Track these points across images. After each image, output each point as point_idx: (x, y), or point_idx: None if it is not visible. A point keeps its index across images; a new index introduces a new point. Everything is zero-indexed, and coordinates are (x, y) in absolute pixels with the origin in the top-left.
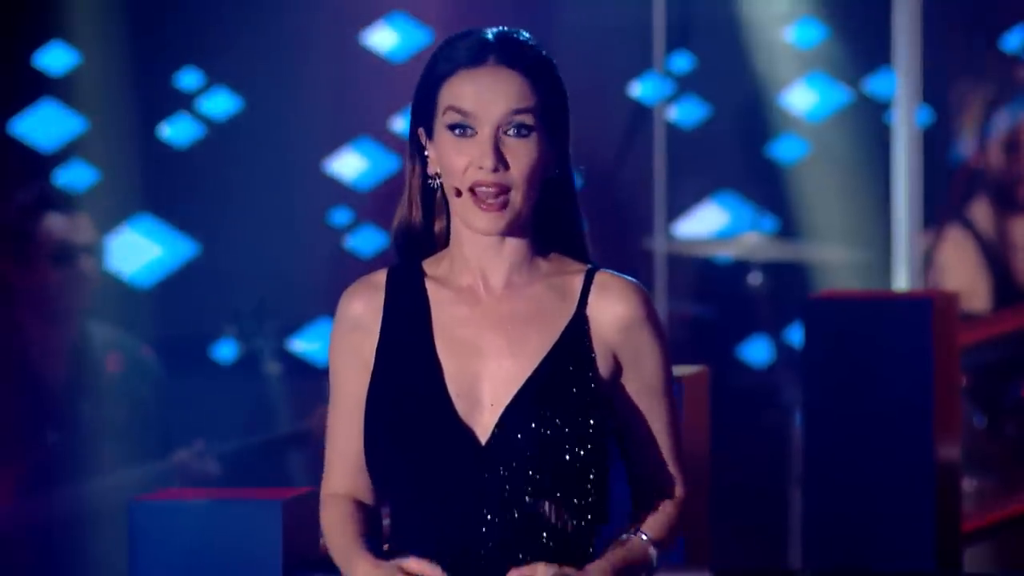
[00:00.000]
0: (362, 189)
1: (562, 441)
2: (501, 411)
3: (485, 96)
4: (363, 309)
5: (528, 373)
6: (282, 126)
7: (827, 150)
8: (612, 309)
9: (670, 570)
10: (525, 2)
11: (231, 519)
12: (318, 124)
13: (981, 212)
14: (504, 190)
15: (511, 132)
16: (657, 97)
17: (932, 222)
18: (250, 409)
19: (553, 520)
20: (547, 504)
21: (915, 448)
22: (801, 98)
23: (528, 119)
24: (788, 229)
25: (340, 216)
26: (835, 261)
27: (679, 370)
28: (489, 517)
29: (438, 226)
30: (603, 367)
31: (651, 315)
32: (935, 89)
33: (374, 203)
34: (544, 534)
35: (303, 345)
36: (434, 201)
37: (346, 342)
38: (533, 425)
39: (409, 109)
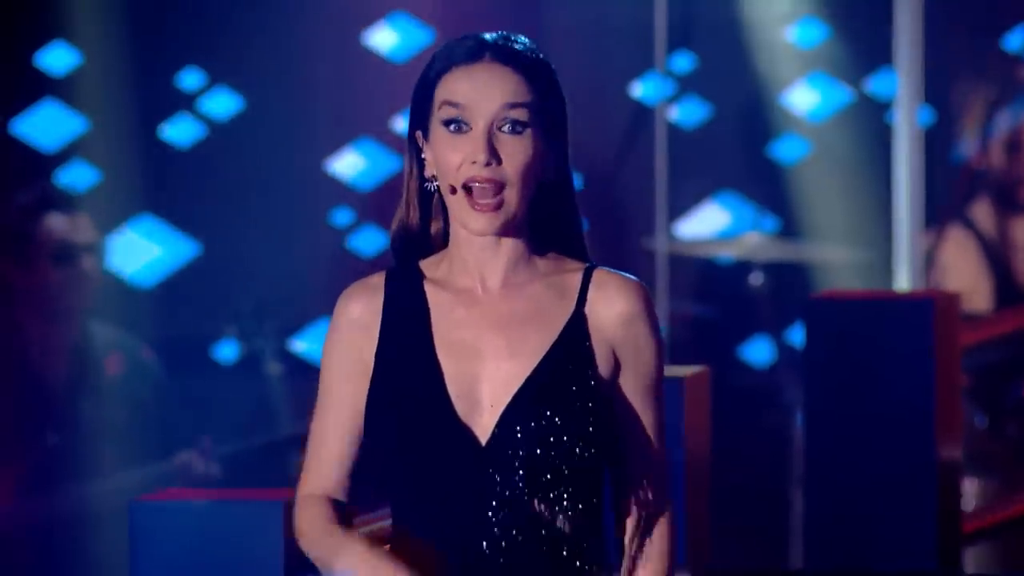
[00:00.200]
0: (363, 189)
1: (562, 441)
2: (500, 412)
3: (479, 91)
4: (362, 311)
5: (527, 373)
6: (283, 126)
7: (828, 150)
8: (612, 306)
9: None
10: (526, 2)
11: (232, 520)
12: (319, 124)
13: (983, 212)
14: (498, 187)
15: (505, 128)
16: (658, 97)
17: (933, 222)
18: (251, 409)
19: (554, 520)
20: (547, 504)
21: (916, 448)
22: (802, 98)
23: (522, 115)
24: (789, 229)
25: (341, 216)
26: (836, 261)
27: (680, 370)
28: (490, 517)
29: (435, 228)
30: (602, 365)
31: (650, 312)
32: (936, 89)
33: (375, 203)
34: (544, 534)
35: (304, 345)
36: (432, 204)
37: (344, 343)
38: (533, 425)
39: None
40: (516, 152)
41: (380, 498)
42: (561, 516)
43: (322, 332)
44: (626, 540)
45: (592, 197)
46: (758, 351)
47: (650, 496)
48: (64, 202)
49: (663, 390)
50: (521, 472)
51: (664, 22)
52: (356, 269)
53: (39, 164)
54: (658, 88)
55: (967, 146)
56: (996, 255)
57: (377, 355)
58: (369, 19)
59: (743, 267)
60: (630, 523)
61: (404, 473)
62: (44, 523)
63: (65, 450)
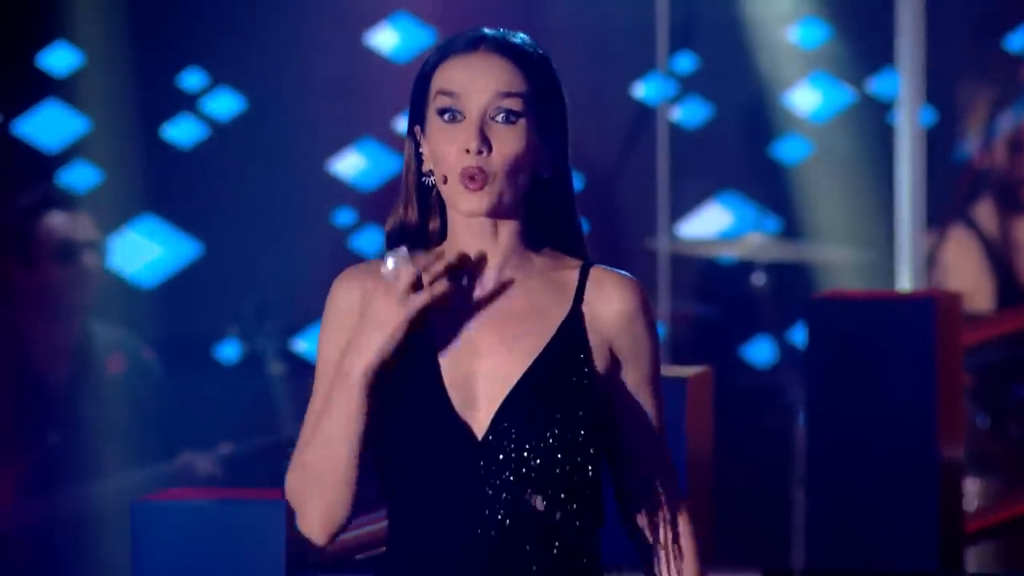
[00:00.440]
0: (365, 189)
1: (558, 437)
2: (496, 408)
3: (473, 79)
4: (360, 294)
5: (523, 370)
6: (285, 126)
7: (830, 150)
8: (610, 304)
9: None
10: (528, 2)
11: (234, 520)
12: (321, 124)
13: (985, 212)
14: (489, 176)
15: (499, 118)
16: (660, 97)
17: (935, 222)
18: (253, 410)
19: (550, 516)
20: (543, 499)
21: (918, 448)
22: (805, 98)
23: (516, 105)
24: (791, 229)
25: (343, 216)
26: (838, 261)
27: (683, 370)
28: (487, 513)
29: (432, 225)
30: (599, 362)
31: (648, 309)
32: (938, 89)
33: (377, 203)
34: (540, 529)
35: (306, 345)
36: (429, 199)
37: (343, 325)
38: (528, 421)
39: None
40: (508, 141)
41: (376, 495)
42: (558, 512)
43: None
44: (655, 540)
45: (594, 198)
46: (760, 351)
47: (666, 493)
48: (67, 202)
49: (661, 385)
50: (516, 468)
51: (666, 22)
52: None
53: (41, 164)
54: (660, 88)
55: (969, 146)
56: (998, 255)
57: None
58: (371, 19)
59: (745, 267)
60: (648, 521)
61: (400, 466)
62: (45, 523)
63: (66, 450)
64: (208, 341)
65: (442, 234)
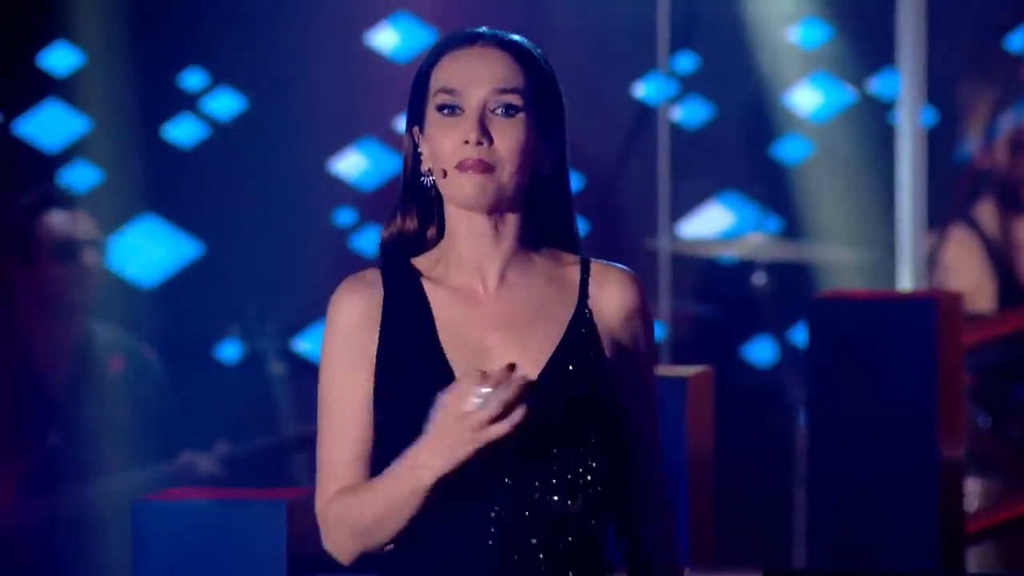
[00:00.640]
0: (365, 189)
1: (574, 435)
2: None
3: (472, 74)
4: (365, 306)
5: (537, 371)
6: (286, 126)
7: (831, 150)
8: (613, 300)
9: None
10: (528, 2)
11: (235, 519)
12: (322, 124)
13: (986, 212)
14: (489, 167)
15: (498, 111)
16: (661, 97)
17: (936, 222)
18: (254, 410)
19: (565, 511)
20: (561, 498)
21: (919, 448)
22: (805, 98)
23: (515, 99)
24: (792, 229)
25: (344, 216)
26: (839, 261)
27: (683, 370)
28: (499, 511)
29: (430, 232)
30: (609, 357)
31: (646, 302)
32: (939, 89)
33: (377, 203)
34: (554, 526)
35: (307, 345)
36: (428, 200)
37: (350, 341)
38: (545, 421)
39: None
40: (508, 134)
41: None
42: (574, 506)
43: None
44: (631, 550)
45: (595, 197)
46: (761, 351)
47: (650, 486)
48: (67, 202)
49: (656, 381)
50: (534, 468)
51: (667, 22)
52: (359, 269)
53: (42, 164)
54: (661, 88)
55: (970, 146)
56: (999, 255)
57: (380, 353)
58: (371, 19)
59: (746, 267)
60: (625, 525)
61: None
62: (46, 523)
63: (67, 450)
64: (209, 341)
65: (438, 236)
